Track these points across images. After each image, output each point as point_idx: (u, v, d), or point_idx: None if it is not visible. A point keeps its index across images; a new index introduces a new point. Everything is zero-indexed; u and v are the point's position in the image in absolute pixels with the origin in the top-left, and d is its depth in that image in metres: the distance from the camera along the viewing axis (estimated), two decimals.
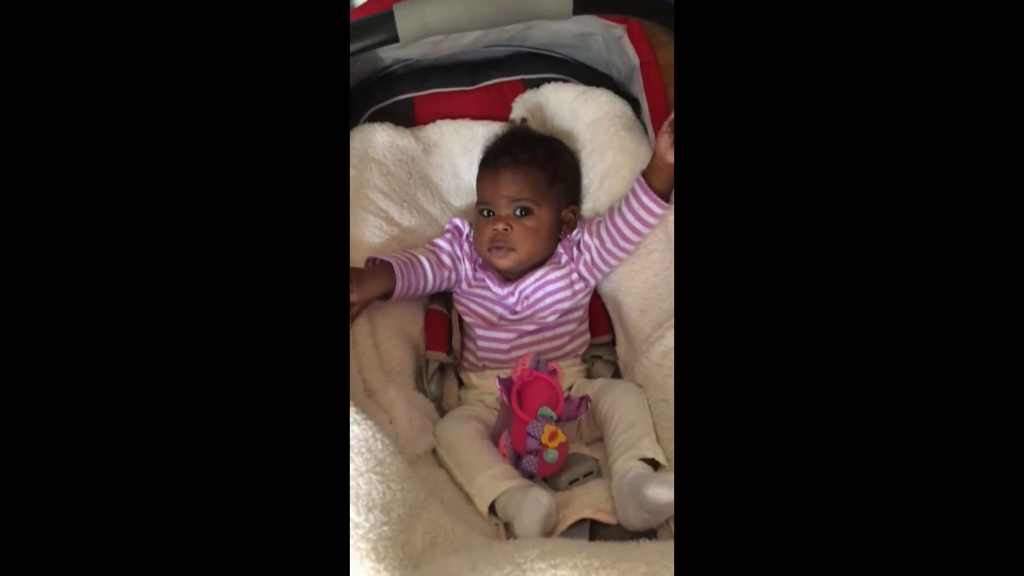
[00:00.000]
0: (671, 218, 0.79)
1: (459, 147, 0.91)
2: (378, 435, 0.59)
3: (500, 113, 0.93)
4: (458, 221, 0.88)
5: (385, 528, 0.53)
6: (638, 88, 0.87)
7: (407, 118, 0.93)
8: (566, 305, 0.82)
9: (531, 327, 0.81)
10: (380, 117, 0.91)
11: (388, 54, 0.91)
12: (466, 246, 0.86)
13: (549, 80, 0.92)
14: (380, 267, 0.78)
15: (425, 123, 0.93)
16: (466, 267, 0.85)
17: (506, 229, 0.81)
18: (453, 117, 0.92)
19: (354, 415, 0.58)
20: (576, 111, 0.90)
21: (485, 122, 0.91)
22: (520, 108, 0.92)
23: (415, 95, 0.93)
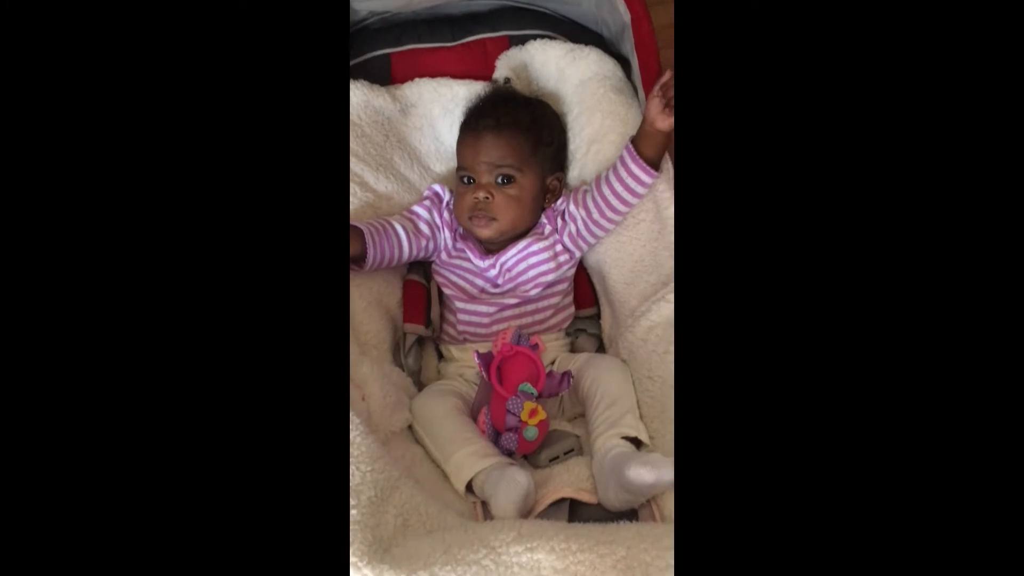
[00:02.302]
0: (660, 187, 0.76)
1: (439, 108, 0.87)
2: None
3: (483, 72, 0.88)
4: (438, 187, 0.84)
5: (353, 512, 0.51)
6: (629, 47, 0.82)
7: (383, 76, 0.87)
8: (550, 278, 0.79)
9: (513, 300, 0.78)
10: (354, 74, 0.86)
11: (362, 6, 0.85)
12: (446, 214, 0.82)
13: (535, 37, 0.87)
14: (349, 231, 0.74)
15: (402, 81, 0.87)
16: (445, 236, 0.81)
17: (487, 197, 0.77)
18: (432, 75, 0.87)
19: None
20: (563, 71, 0.85)
21: (466, 81, 0.86)
22: (504, 67, 0.87)
23: (392, 51, 0.88)
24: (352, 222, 0.75)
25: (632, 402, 0.68)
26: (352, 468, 0.53)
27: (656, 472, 0.57)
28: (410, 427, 0.70)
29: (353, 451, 0.54)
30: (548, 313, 0.80)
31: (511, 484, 0.59)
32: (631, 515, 0.59)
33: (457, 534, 0.51)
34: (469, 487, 0.63)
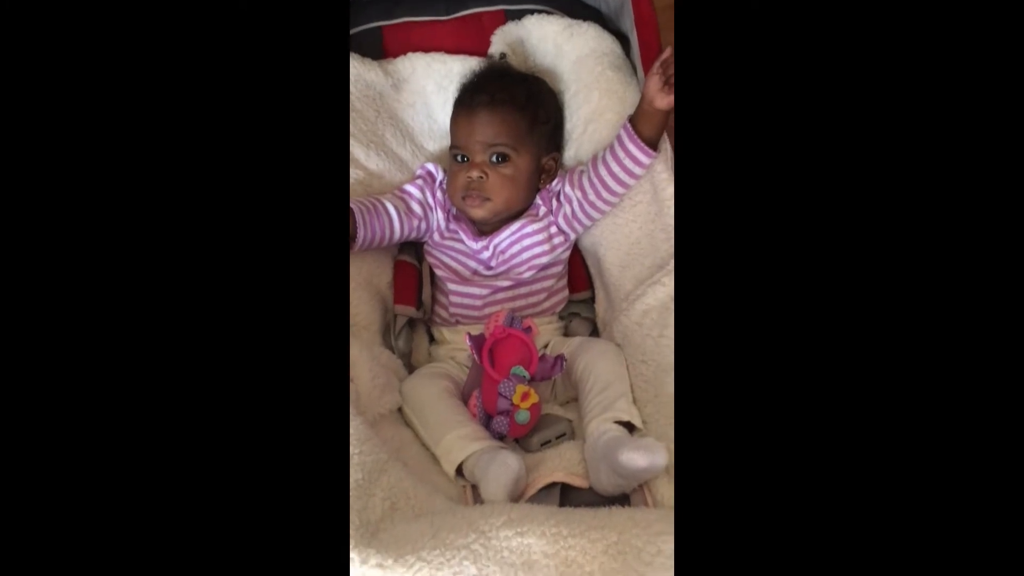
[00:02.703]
0: (658, 168, 0.74)
1: (432, 84, 0.84)
2: None
3: (478, 47, 0.85)
4: (431, 166, 0.82)
5: None
6: (628, 23, 0.80)
7: (375, 49, 0.85)
8: (544, 260, 0.78)
9: (506, 283, 0.77)
10: None
11: None
12: (439, 194, 0.80)
13: (532, 11, 0.85)
14: None
15: (395, 55, 0.85)
16: (438, 217, 0.80)
17: (481, 176, 0.75)
18: (426, 50, 0.85)
19: None
20: (560, 47, 0.82)
21: (461, 56, 0.84)
22: (500, 42, 0.85)
23: (384, 24, 0.85)
24: None
25: (626, 386, 0.67)
26: None
27: (649, 457, 0.56)
28: (400, 410, 0.69)
29: None
30: (542, 296, 0.78)
31: (502, 468, 0.58)
32: (623, 500, 0.59)
33: (446, 518, 0.50)
34: (459, 470, 0.63)
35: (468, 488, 0.62)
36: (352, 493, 0.50)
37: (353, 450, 0.53)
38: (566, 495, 0.60)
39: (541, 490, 0.60)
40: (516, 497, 0.59)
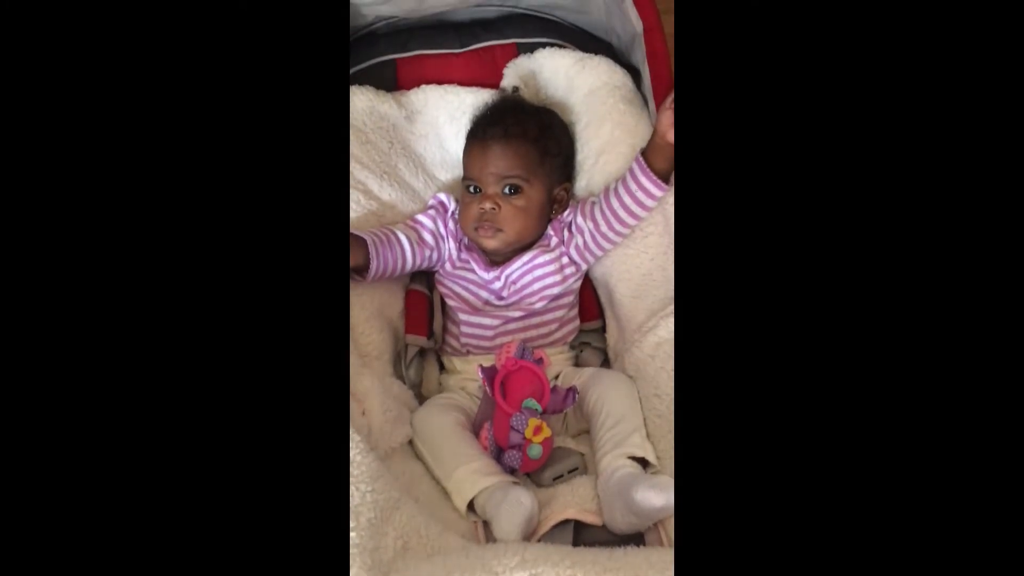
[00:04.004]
0: (670, 200, 0.74)
1: (445, 115, 0.85)
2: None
3: (490, 79, 0.86)
4: (443, 196, 0.82)
5: (352, 534, 0.49)
6: (640, 57, 0.81)
7: (389, 81, 0.86)
8: (555, 291, 0.77)
9: (518, 313, 0.77)
10: (360, 80, 0.85)
11: (370, 11, 0.83)
12: (451, 224, 0.80)
13: (544, 45, 0.86)
14: (352, 240, 0.72)
15: (408, 88, 0.86)
16: (450, 247, 0.80)
17: (494, 208, 0.75)
18: (439, 82, 0.86)
19: None
20: (572, 80, 0.83)
21: (474, 89, 0.85)
22: (512, 75, 0.86)
23: (398, 56, 0.86)
24: (355, 231, 0.74)
25: (639, 420, 0.66)
26: (352, 488, 0.52)
27: (665, 495, 0.55)
28: (410, 442, 0.68)
29: (353, 470, 0.53)
30: (553, 327, 0.78)
31: (515, 506, 0.57)
32: (637, 539, 0.58)
33: (459, 559, 0.49)
34: (471, 506, 0.62)
35: (479, 524, 0.61)
36: (365, 532, 0.50)
37: (365, 488, 0.52)
38: (579, 532, 0.59)
39: (554, 527, 0.59)
40: (529, 535, 0.58)
